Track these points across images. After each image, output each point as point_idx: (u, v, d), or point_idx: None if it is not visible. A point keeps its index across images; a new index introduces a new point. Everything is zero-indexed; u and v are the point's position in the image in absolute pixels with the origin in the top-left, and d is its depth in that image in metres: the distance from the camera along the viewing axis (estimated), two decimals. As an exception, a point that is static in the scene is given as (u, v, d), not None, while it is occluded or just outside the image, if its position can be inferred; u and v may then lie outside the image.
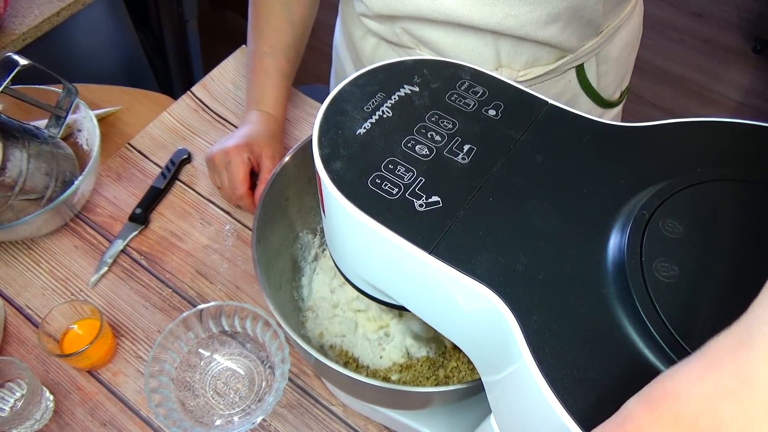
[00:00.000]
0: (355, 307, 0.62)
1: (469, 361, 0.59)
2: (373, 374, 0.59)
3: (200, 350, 0.63)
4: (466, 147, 0.39)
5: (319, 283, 0.65)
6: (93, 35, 1.24)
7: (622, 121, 0.56)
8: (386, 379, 0.58)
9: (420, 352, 0.60)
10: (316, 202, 0.63)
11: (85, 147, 0.76)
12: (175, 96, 0.89)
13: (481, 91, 0.42)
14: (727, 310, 0.31)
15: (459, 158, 0.38)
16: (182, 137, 0.83)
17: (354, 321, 0.62)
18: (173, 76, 1.54)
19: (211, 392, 0.62)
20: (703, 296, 0.31)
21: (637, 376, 0.30)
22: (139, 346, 0.66)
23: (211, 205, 0.77)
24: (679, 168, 0.38)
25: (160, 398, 0.56)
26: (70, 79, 0.71)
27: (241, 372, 0.63)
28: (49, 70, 0.66)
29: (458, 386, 0.44)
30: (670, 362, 0.29)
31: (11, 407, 0.60)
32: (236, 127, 0.84)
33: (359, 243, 0.39)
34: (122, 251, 0.72)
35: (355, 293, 0.61)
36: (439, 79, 0.43)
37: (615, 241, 0.34)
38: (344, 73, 0.86)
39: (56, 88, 0.72)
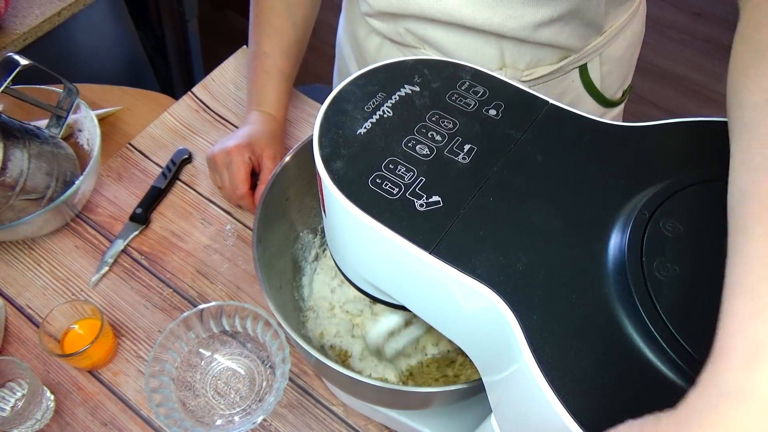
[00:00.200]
0: (350, 309, 0.62)
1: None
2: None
3: (201, 350, 0.63)
4: (467, 147, 0.39)
5: (320, 283, 0.65)
6: (94, 35, 1.24)
7: (622, 121, 0.56)
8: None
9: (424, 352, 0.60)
10: (316, 202, 0.63)
11: (85, 147, 0.76)
12: (175, 96, 0.89)
13: (482, 91, 0.42)
14: (728, 310, 0.31)
15: (459, 158, 0.38)
16: (183, 137, 0.83)
17: (352, 323, 0.62)
18: (174, 75, 1.54)
19: (212, 392, 0.62)
20: (704, 296, 0.31)
21: (637, 376, 0.30)
22: (140, 346, 0.66)
23: (211, 205, 0.77)
24: (679, 168, 0.38)
25: (160, 398, 0.56)
26: (70, 79, 0.71)
27: (242, 372, 0.63)
28: (49, 70, 0.66)
29: (458, 386, 0.44)
30: (670, 362, 0.29)
31: (12, 407, 0.60)
32: (237, 127, 0.84)
33: (360, 243, 0.39)
34: (123, 251, 0.72)
35: (354, 293, 0.61)
36: (440, 78, 0.43)
37: (615, 241, 0.34)
38: (347, 71, 0.86)
39: (57, 88, 0.72)
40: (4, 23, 0.97)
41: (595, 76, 0.73)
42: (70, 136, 0.77)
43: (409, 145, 0.39)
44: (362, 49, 0.77)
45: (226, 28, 1.98)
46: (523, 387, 0.32)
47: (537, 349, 0.31)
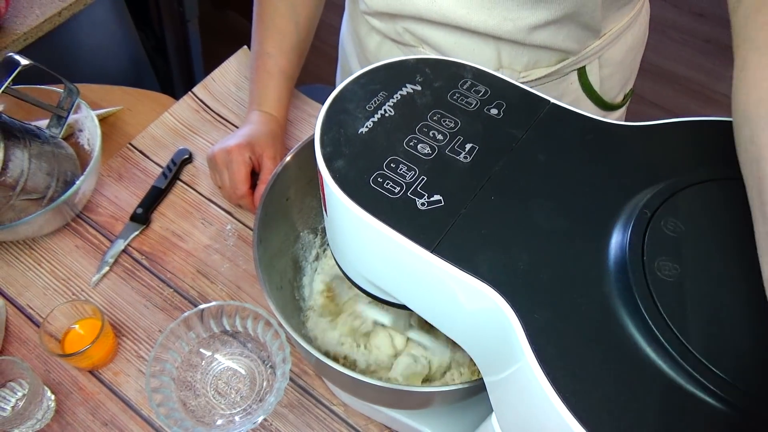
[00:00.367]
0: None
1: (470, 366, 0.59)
2: (373, 373, 0.59)
3: (201, 350, 0.63)
4: (468, 146, 0.39)
5: (320, 283, 0.65)
6: (94, 35, 1.24)
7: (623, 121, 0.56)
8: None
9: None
10: (317, 202, 0.63)
11: (86, 147, 0.76)
12: (176, 96, 0.89)
13: (483, 90, 0.42)
14: (729, 309, 0.31)
15: (461, 157, 0.38)
16: (183, 137, 0.83)
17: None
18: (174, 76, 1.54)
19: (213, 392, 0.62)
20: (705, 295, 0.31)
21: (639, 375, 0.30)
22: (141, 346, 0.66)
23: (212, 205, 0.77)
24: (680, 167, 0.38)
25: (161, 398, 0.56)
26: (71, 79, 0.71)
27: (242, 372, 0.63)
28: (50, 70, 0.66)
29: (459, 386, 0.44)
30: (672, 360, 0.29)
31: (13, 407, 0.60)
32: (237, 127, 0.84)
33: (361, 242, 0.39)
34: (123, 251, 0.72)
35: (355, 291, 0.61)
36: (441, 78, 0.43)
37: (617, 240, 0.34)
38: (350, 69, 0.86)
39: (57, 88, 0.72)
40: (4, 23, 0.97)
41: (594, 79, 0.73)
42: (70, 136, 0.77)
43: (411, 144, 0.39)
44: (363, 46, 0.77)
45: (226, 28, 1.98)
46: (525, 386, 0.32)
47: (538, 348, 0.31)
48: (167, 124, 0.84)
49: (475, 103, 0.42)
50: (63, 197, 0.66)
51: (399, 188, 0.37)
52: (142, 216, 0.74)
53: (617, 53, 0.73)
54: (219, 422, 0.59)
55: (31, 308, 0.68)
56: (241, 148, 0.67)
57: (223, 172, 0.69)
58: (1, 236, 0.69)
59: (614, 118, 0.82)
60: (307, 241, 0.65)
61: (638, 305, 0.31)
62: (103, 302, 0.69)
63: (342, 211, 0.37)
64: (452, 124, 0.40)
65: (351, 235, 0.40)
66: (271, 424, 0.61)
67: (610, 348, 0.31)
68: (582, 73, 0.72)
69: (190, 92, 0.87)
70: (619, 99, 0.80)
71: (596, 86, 0.74)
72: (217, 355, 0.64)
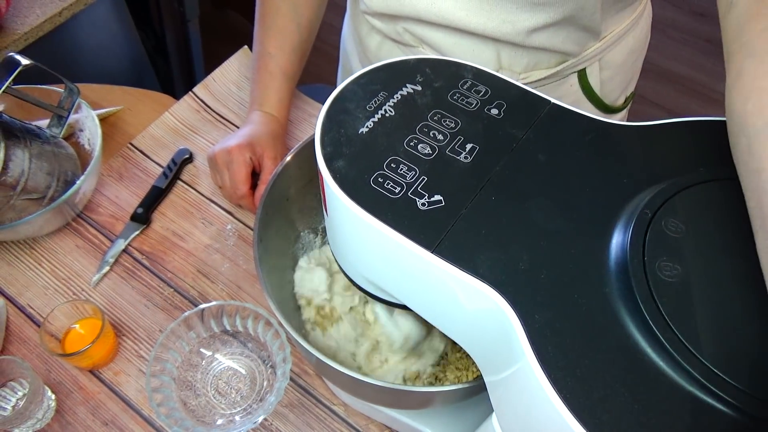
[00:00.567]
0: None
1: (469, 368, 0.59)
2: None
3: (202, 350, 0.63)
4: (469, 146, 0.39)
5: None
6: (95, 35, 1.24)
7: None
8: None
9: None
10: (317, 202, 0.63)
11: (86, 147, 0.76)
12: (176, 96, 0.89)
13: (484, 90, 0.42)
14: (730, 310, 0.31)
15: (461, 157, 0.38)
16: (184, 137, 0.83)
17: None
18: (175, 75, 1.54)
19: (213, 392, 0.62)
20: (706, 295, 0.31)
21: (639, 375, 0.30)
22: (141, 346, 0.66)
23: (212, 204, 0.77)
24: (681, 167, 0.38)
25: (161, 397, 0.56)
26: (71, 79, 0.71)
27: (243, 371, 0.63)
28: (51, 69, 0.66)
29: (460, 386, 0.44)
30: (672, 361, 0.29)
31: (13, 406, 0.60)
32: (238, 127, 0.84)
33: (361, 242, 0.39)
34: (124, 251, 0.72)
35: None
36: (442, 78, 0.43)
37: (618, 240, 0.34)
38: (351, 68, 0.86)
39: (58, 88, 0.72)
40: (5, 23, 0.97)
41: (594, 81, 0.73)
42: (71, 136, 0.77)
43: (411, 144, 0.39)
44: (364, 46, 0.77)
45: (227, 28, 1.98)
46: (525, 386, 0.32)
47: (539, 348, 0.31)
48: (168, 124, 0.84)
49: (475, 103, 0.42)
50: (63, 197, 0.66)
51: (399, 188, 0.37)
52: (143, 216, 0.74)
53: (618, 56, 0.73)
54: (219, 422, 0.59)
55: (32, 308, 0.68)
56: (242, 148, 0.67)
57: (224, 172, 0.69)
58: (2, 236, 0.69)
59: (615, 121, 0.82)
60: (308, 241, 0.65)
61: (639, 306, 0.31)
62: (104, 302, 0.69)
63: (342, 211, 0.37)
64: (453, 124, 0.40)
65: (351, 235, 0.40)
66: (271, 424, 0.61)
67: (611, 348, 0.31)
68: (582, 75, 0.72)
69: (190, 92, 0.87)
70: (620, 102, 0.80)
71: (597, 89, 0.74)
72: (217, 355, 0.64)
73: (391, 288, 0.41)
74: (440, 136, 0.39)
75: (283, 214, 0.60)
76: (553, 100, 0.42)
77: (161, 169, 0.79)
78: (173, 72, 1.53)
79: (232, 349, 0.64)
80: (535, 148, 0.39)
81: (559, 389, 0.29)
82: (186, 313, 0.59)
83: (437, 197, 0.36)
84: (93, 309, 0.63)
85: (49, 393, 0.61)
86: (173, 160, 0.79)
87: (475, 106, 0.41)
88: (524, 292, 0.33)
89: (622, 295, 0.32)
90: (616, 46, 0.71)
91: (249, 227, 0.75)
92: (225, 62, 0.90)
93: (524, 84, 0.68)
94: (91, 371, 0.64)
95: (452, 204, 0.36)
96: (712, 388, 0.28)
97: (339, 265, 0.47)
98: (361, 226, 0.36)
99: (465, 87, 0.43)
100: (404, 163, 0.38)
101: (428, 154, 0.38)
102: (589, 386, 0.29)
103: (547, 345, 0.31)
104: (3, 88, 0.61)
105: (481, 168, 0.38)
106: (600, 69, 0.72)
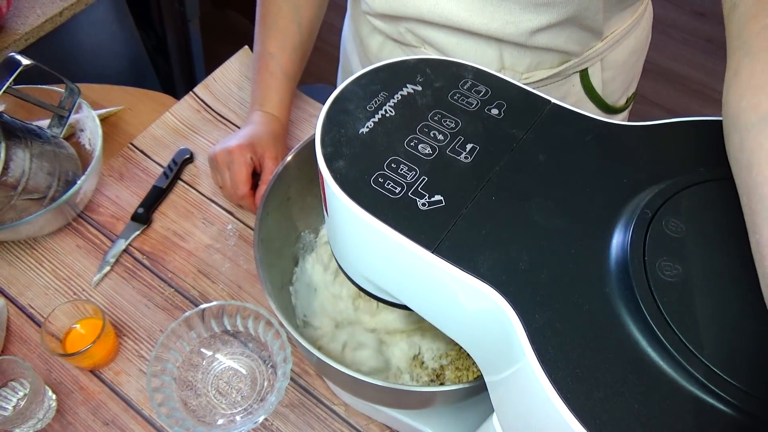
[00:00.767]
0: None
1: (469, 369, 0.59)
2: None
3: (202, 350, 0.63)
4: (469, 146, 0.39)
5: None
6: (95, 35, 1.24)
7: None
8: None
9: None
10: (318, 202, 0.63)
11: (87, 147, 0.76)
12: (177, 96, 0.89)
13: (484, 90, 0.42)
14: (731, 309, 0.31)
15: (462, 157, 0.38)
16: (184, 137, 0.83)
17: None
18: (175, 75, 1.54)
19: (213, 392, 0.62)
20: (707, 295, 0.31)
21: (640, 375, 0.30)
22: (142, 346, 0.66)
23: (213, 204, 0.77)
24: (682, 167, 0.38)
25: (162, 397, 0.56)
26: (72, 79, 0.71)
27: (243, 371, 0.63)
28: (51, 70, 0.66)
29: (460, 386, 0.44)
30: (673, 361, 0.29)
31: (14, 406, 0.61)
32: (238, 127, 0.84)
33: (362, 242, 0.39)
34: (124, 251, 0.72)
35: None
36: (442, 78, 0.43)
37: (618, 240, 0.34)
38: (351, 69, 0.86)
39: (59, 88, 0.72)
40: (6, 23, 0.97)
41: (596, 81, 0.73)
42: (71, 136, 0.77)
43: (412, 144, 0.39)
44: (365, 47, 0.77)
45: (227, 28, 1.98)
46: (526, 386, 0.32)
47: (539, 348, 0.31)
48: (168, 124, 0.84)
49: (475, 103, 0.42)
50: (64, 197, 0.66)
51: (400, 188, 0.37)
52: (143, 216, 0.74)
53: (620, 56, 0.73)
54: (220, 422, 0.59)
55: (33, 308, 0.68)
56: (243, 148, 0.67)
57: (225, 172, 0.69)
58: (3, 236, 0.69)
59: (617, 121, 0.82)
60: (308, 241, 0.65)
61: (639, 306, 0.31)
62: (104, 302, 0.69)
63: (343, 211, 0.37)
64: (453, 124, 0.40)
65: (352, 235, 0.40)
66: (272, 424, 0.61)
67: (611, 348, 0.31)
68: (584, 75, 0.72)
69: (191, 92, 0.87)
70: (621, 102, 0.80)
71: (598, 89, 0.74)
72: (218, 355, 0.64)
73: (391, 288, 0.41)
74: (440, 136, 0.39)
75: (284, 214, 0.60)
76: (553, 100, 0.42)
77: (162, 169, 0.79)
78: (174, 72, 1.53)
79: (233, 349, 0.64)
80: (535, 148, 0.39)
81: (559, 389, 0.29)
82: (187, 313, 0.60)
83: (438, 197, 0.36)
84: (94, 309, 0.63)
85: (50, 393, 0.61)
86: (174, 160, 0.79)
87: (475, 106, 0.41)
88: (525, 292, 0.33)
89: (622, 295, 0.32)
90: (618, 46, 0.71)
91: (250, 227, 0.75)
92: (225, 62, 0.90)
93: (527, 84, 0.68)
94: (91, 371, 0.64)
95: (453, 204, 0.36)
96: (712, 387, 0.28)
97: (339, 265, 0.47)
98: (361, 227, 0.36)
99: (465, 87, 0.43)
100: (404, 163, 0.38)
101: (428, 154, 0.38)
102: (590, 386, 0.29)
103: (547, 345, 0.31)
104: (4, 88, 0.61)
105: (481, 168, 0.38)
106: (602, 69, 0.72)
